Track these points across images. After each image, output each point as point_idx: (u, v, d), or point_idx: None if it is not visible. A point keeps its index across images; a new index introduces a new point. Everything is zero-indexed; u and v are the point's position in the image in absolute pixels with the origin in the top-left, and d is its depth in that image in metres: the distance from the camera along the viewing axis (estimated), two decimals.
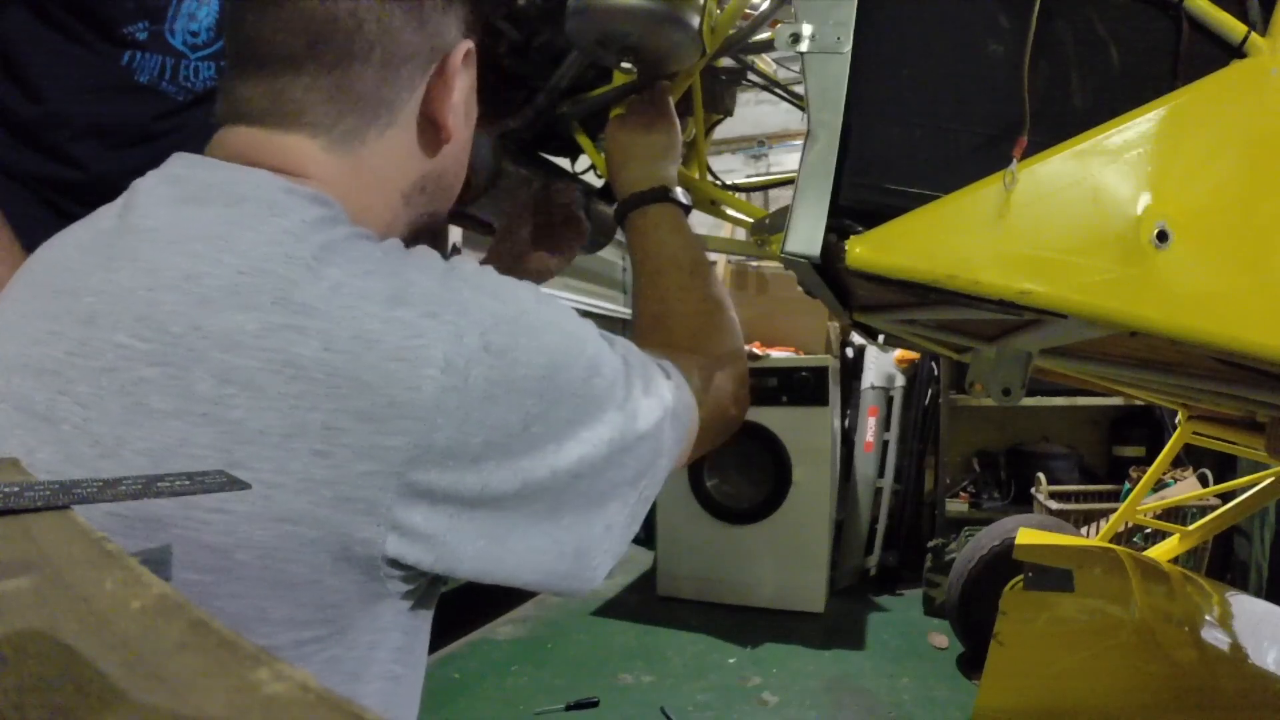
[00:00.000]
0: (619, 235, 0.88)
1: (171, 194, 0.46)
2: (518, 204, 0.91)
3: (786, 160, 3.85)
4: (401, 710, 0.51)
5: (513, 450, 0.44)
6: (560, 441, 0.47)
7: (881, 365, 3.02)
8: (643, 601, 2.71)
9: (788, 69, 1.07)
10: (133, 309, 0.41)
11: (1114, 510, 2.04)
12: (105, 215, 0.48)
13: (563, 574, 0.49)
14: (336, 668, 0.44)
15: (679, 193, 0.77)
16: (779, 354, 2.69)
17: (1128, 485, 2.38)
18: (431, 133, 0.55)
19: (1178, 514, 2.13)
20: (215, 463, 0.39)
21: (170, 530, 0.39)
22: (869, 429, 2.95)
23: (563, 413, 0.46)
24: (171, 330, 0.40)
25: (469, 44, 0.56)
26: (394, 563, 0.43)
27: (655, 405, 0.54)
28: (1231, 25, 0.53)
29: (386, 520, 0.41)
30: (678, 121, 0.82)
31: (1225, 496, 1.93)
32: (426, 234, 0.59)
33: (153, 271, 0.42)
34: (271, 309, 0.40)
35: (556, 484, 0.47)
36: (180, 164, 0.49)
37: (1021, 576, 1.55)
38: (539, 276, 0.91)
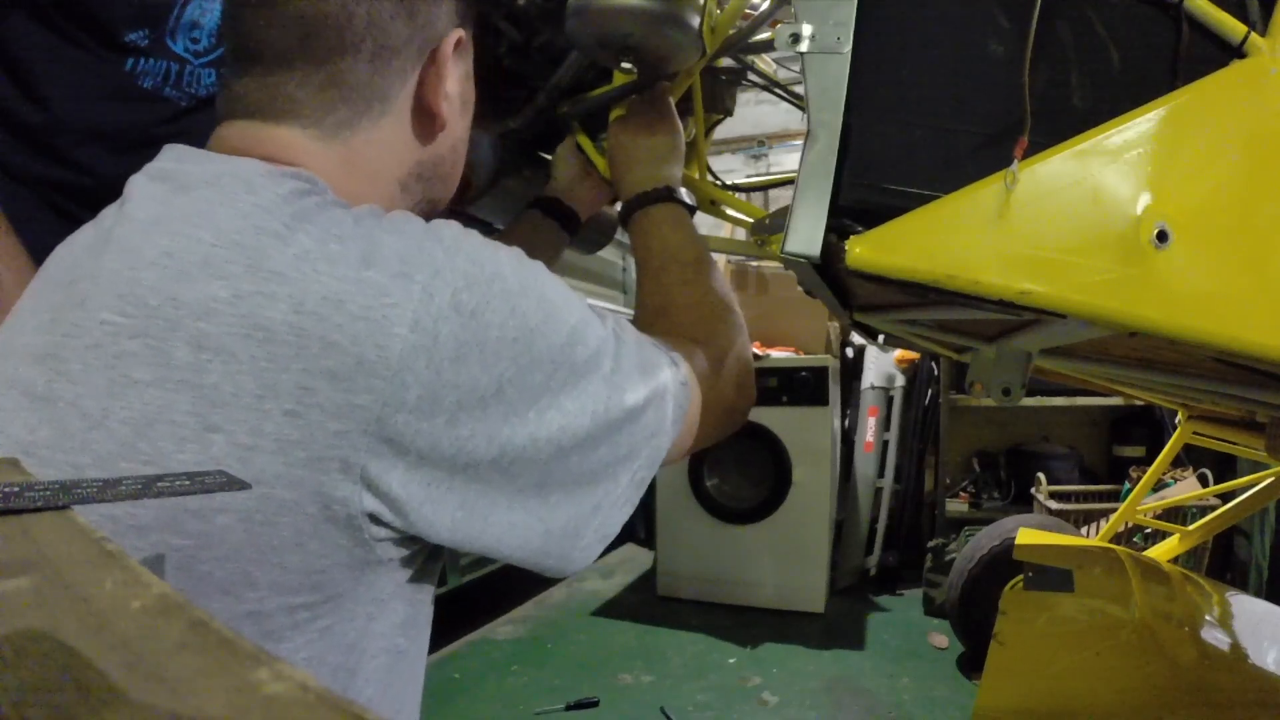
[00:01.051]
0: (619, 235, 0.88)
1: (160, 186, 0.47)
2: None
3: (786, 160, 3.86)
4: (403, 688, 0.51)
5: (488, 413, 0.44)
6: (539, 409, 0.46)
7: (881, 365, 3.02)
8: (643, 601, 2.71)
9: (788, 69, 1.07)
10: (116, 288, 0.43)
11: (1114, 510, 2.04)
12: (108, 214, 0.49)
13: (547, 552, 0.49)
14: (333, 638, 0.44)
15: (683, 193, 0.77)
16: (779, 354, 2.69)
17: (1128, 485, 2.38)
18: (426, 121, 0.55)
19: (1178, 514, 2.13)
20: (193, 427, 0.40)
21: (155, 495, 0.40)
22: (869, 429, 2.95)
23: (538, 378, 0.46)
24: (150, 304, 0.42)
25: (460, 32, 0.56)
26: (375, 519, 0.43)
27: (649, 383, 0.53)
28: (1231, 25, 0.53)
29: (361, 479, 0.42)
30: (679, 122, 0.82)
31: (1225, 496, 1.93)
32: (426, 220, 0.60)
33: (135, 252, 0.44)
34: (243, 277, 0.41)
35: (539, 455, 0.47)
36: (170, 157, 0.50)
37: (1021, 576, 1.55)
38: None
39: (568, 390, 0.48)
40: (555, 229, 0.90)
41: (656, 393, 0.53)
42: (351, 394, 0.41)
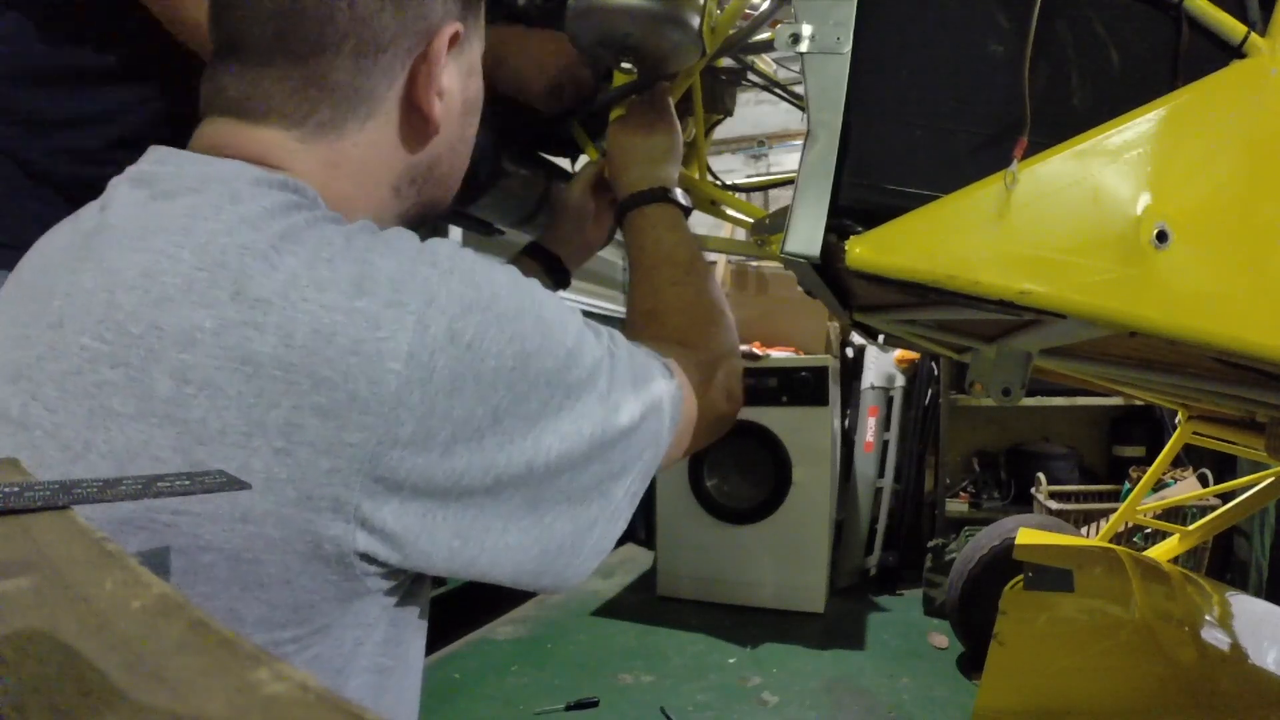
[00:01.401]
0: (619, 235, 0.88)
1: (142, 192, 0.45)
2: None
3: (786, 160, 3.85)
4: (394, 702, 0.50)
5: (484, 443, 0.43)
6: (536, 434, 0.45)
7: (881, 365, 3.02)
8: (643, 601, 2.71)
9: (788, 69, 1.07)
10: (95, 311, 0.41)
11: (1114, 510, 2.04)
12: (86, 215, 0.47)
13: (543, 572, 0.49)
14: (320, 665, 0.44)
15: (678, 194, 0.77)
16: (779, 354, 2.69)
17: (1128, 485, 2.38)
18: (418, 123, 0.52)
19: (1178, 514, 2.13)
20: (177, 465, 0.38)
21: (138, 533, 0.39)
22: (869, 429, 2.95)
23: (536, 405, 0.45)
24: (131, 331, 0.40)
25: (458, 26, 0.52)
26: (368, 558, 0.42)
27: (643, 397, 0.52)
28: (1231, 25, 0.53)
29: (354, 517, 0.40)
30: (678, 123, 0.82)
31: (1225, 496, 1.93)
32: (422, 222, 0.58)
33: (114, 272, 0.42)
34: (228, 305, 0.39)
35: (534, 478, 0.46)
36: (153, 159, 0.48)
37: (1021, 576, 1.55)
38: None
39: (564, 413, 0.47)
40: (548, 283, 0.89)
41: (651, 407, 0.53)
42: (343, 431, 0.39)
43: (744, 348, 2.56)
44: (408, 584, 0.48)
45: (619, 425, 0.50)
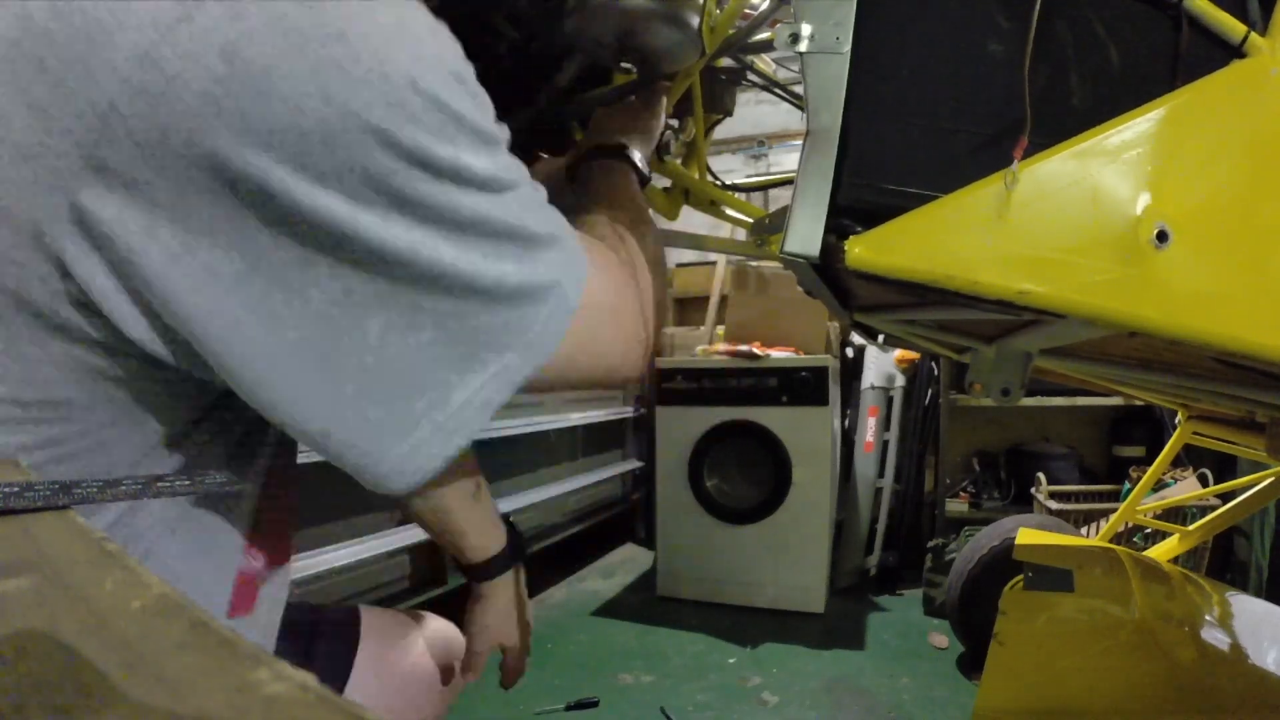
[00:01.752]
0: None
1: None
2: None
3: (786, 160, 3.85)
4: (189, 572, 0.39)
5: (271, 189, 0.33)
6: (379, 197, 0.34)
7: (881, 365, 3.02)
8: (643, 601, 2.71)
9: (787, 69, 1.07)
10: None
11: (1114, 510, 2.04)
12: None
13: (354, 425, 0.36)
14: (76, 465, 0.34)
15: (637, 156, 0.72)
16: (779, 354, 2.69)
17: (1128, 485, 2.38)
18: None
19: (1178, 514, 2.13)
20: None
21: None
22: (869, 429, 2.95)
23: (355, 182, 0.34)
24: None
25: None
26: (83, 305, 0.33)
27: (544, 255, 0.42)
28: (1231, 25, 0.53)
29: (71, 218, 0.32)
30: (662, 115, 0.82)
31: (1225, 496, 1.93)
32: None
33: None
34: None
35: (361, 264, 0.34)
36: None
37: (1021, 576, 1.55)
38: None
39: (408, 196, 0.35)
40: None
41: (552, 283, 0.42)
42: (48, 134, 0.32)
43: (744, 348, 2.57)
44: (175, 386, 0.36)
45: (510, 280, 0.39)
